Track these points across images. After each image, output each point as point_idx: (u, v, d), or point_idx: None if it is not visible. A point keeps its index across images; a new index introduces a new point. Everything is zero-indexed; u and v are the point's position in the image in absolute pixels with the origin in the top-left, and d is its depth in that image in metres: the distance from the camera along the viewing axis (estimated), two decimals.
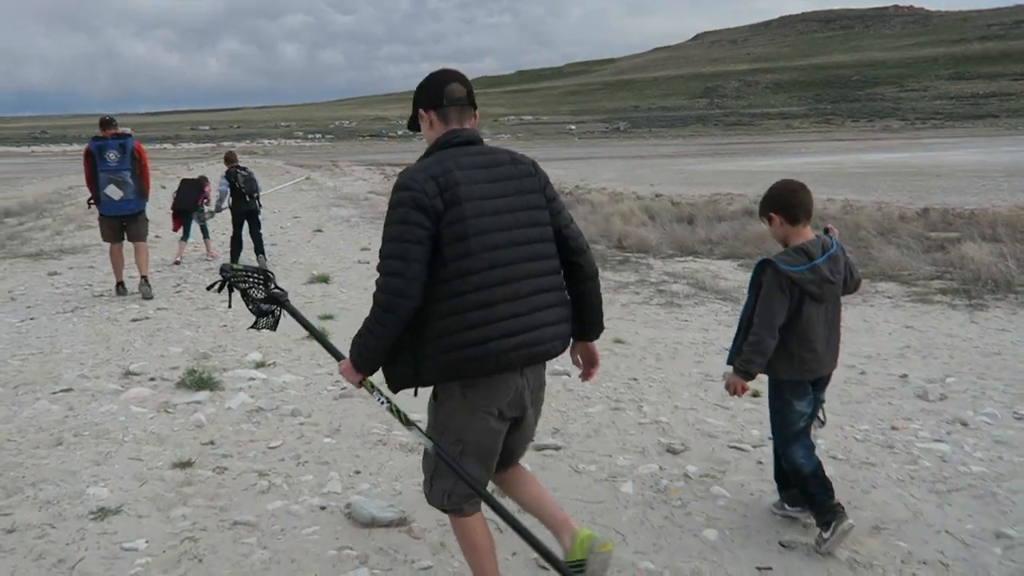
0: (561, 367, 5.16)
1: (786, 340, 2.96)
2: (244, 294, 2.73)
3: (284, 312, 2.75)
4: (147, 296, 8.07)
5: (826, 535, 2.95)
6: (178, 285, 8.93)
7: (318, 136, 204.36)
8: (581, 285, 2.46)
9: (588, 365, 2.63)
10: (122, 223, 8.10)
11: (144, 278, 8.25)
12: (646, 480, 3.63)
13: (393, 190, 2.24)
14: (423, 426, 2.44)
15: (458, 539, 2.52)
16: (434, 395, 2.37)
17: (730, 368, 3.09)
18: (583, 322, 2.50)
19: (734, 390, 3.06)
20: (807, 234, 3.00)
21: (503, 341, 2.22)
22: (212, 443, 4.09)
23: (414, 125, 2.46)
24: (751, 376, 3.03)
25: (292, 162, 55.25)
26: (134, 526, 3.19)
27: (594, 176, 43.73)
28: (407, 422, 2.43)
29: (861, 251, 10.00)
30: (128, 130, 8.20)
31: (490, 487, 2.50)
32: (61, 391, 4.87)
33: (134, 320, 7.04)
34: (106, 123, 8.01)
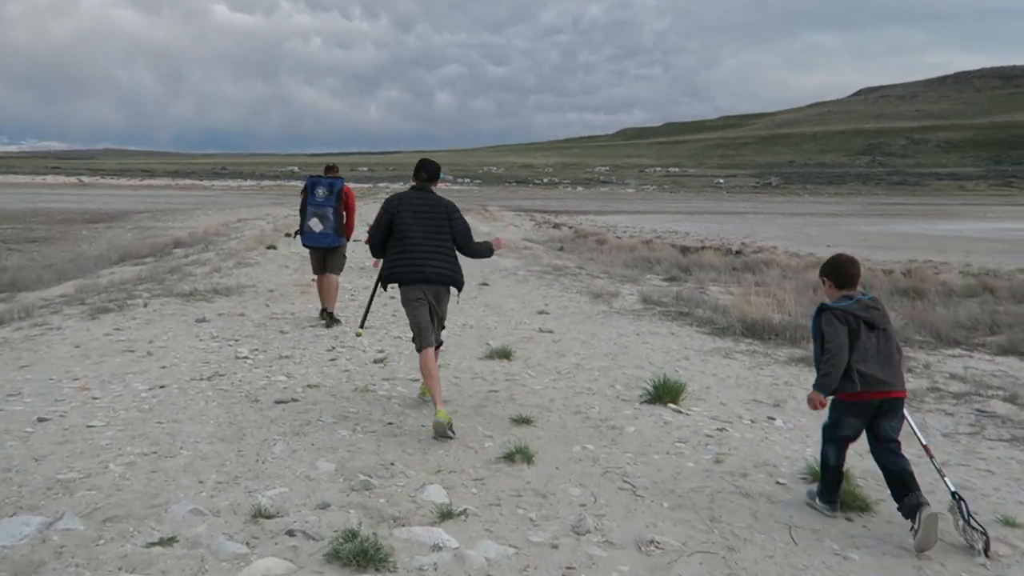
0: None
1: None
2: None
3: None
4: (328, 326, 8.52)
5: None
6: (333, 349, 7.41)
7: (467, 180, 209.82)
8: (463, 252, 5.27)
9: None
10: (323, 255, 8.67)
11: (329, 313, 8.71)
12: None
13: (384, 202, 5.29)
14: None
15: (420, 367, 5.20)
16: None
17: None
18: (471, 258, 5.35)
19: None
20: None
21: (406, 269, 5.09)
22: None
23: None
24: None
25: None
26: None
27: (755, 233, 40.58)
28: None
29: None
30: (340, 176, 8.87)
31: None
32: (159, 542, 3.21)
33: (279, 402, 5.47)
34: (328, 168, 8.91)
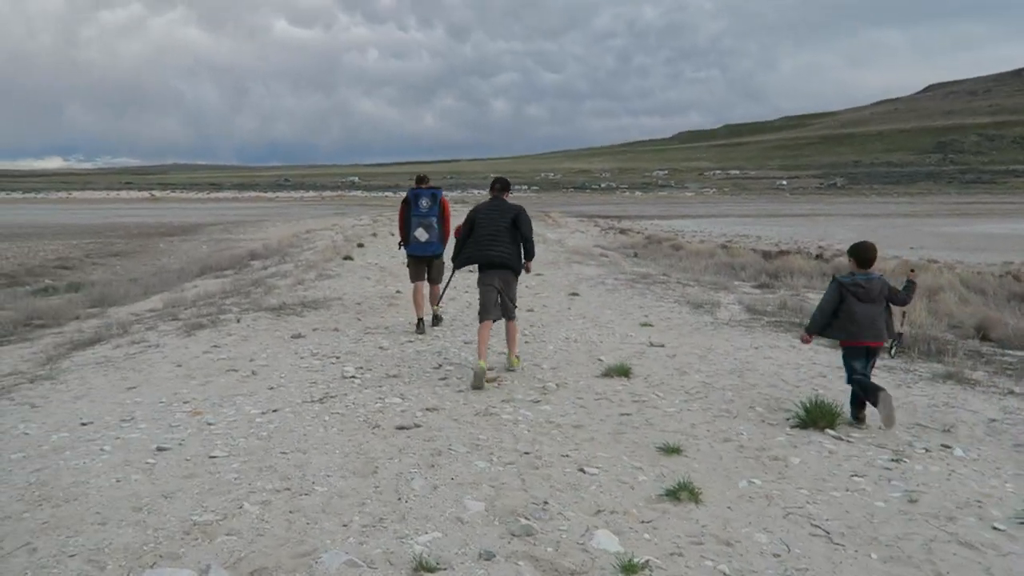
0: None
1: None
2: None
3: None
4: (435, 324, 9.20)
5: None
6: (440, 368, 7.06)
7: (524, 187, 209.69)
8: (524, 247, 6.83)
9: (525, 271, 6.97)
10: (426, 264, 9.00)
11: (433, 311, 9.27)
12: None
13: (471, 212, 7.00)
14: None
15: (478, 332, 6.65)
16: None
17: None
18: (526, 257, 6.89)
19: None
20: None
21: (472, 253, 6.77)
22: None
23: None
24: None
25: None
26: None
27: (829, 236, 38.98)
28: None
29: None
30: (439, 186, 9.15)
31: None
32: None
33: (401, 428, 5.12)
34: (421, 179, 9.08)
